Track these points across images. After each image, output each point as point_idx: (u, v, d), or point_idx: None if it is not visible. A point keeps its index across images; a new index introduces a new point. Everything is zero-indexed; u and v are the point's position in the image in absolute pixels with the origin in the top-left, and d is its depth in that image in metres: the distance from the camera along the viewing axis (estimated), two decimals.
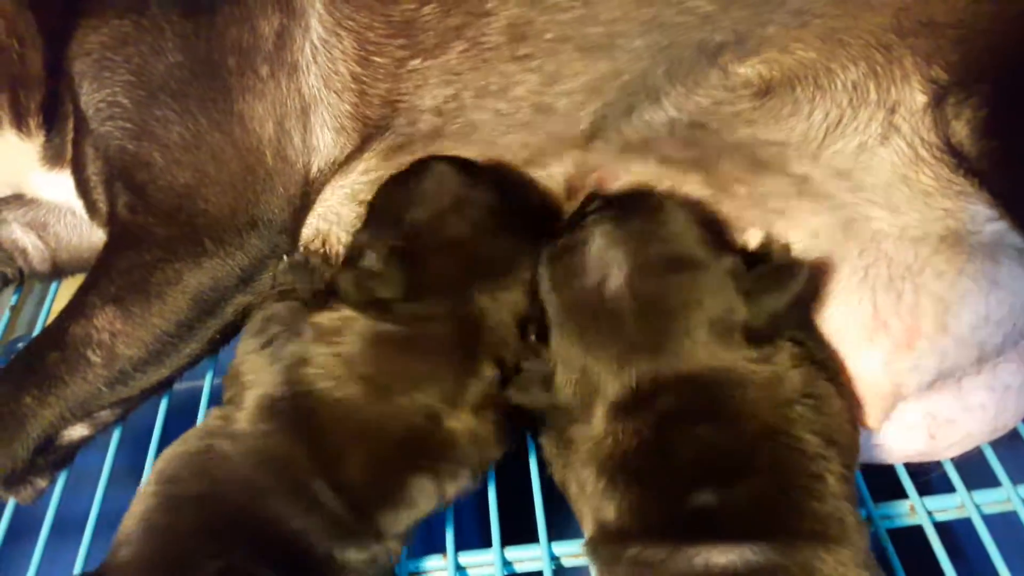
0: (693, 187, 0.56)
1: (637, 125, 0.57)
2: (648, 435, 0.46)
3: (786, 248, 0.54)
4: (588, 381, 0.49)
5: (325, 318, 0.52)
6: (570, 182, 0.60)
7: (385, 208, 0.58)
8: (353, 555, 0.47)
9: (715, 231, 0.54)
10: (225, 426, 0.50)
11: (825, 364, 0.49)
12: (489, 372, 0.50)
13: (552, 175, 0.60)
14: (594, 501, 0.47)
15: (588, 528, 0.48)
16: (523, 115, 0.59)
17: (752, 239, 0.55)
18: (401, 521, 0.48)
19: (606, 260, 0.49)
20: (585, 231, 0.51)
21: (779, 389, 0.45)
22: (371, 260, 0.52)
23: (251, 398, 0.50)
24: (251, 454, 0.48)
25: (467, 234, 0.53)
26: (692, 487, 0.44)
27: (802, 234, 0.54)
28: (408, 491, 0.48)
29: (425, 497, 0.49)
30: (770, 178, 0.55)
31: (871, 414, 0.53)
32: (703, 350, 0.46)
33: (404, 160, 0.61)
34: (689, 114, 0.56)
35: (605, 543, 0.45)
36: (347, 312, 0.51)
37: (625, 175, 0.58)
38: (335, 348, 0.50)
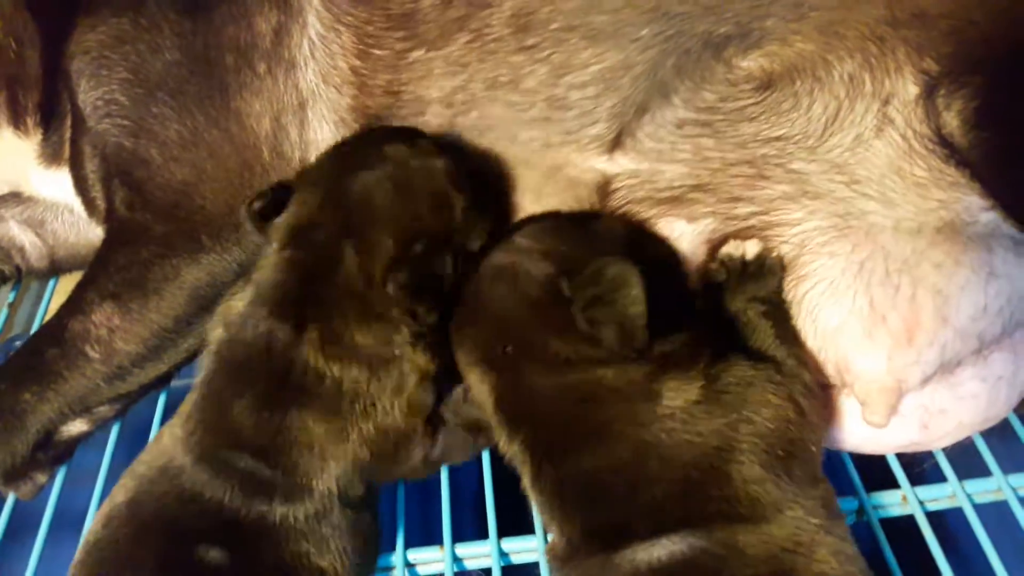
0: (704, 222, 0.57)
1: (650, 128, 0.57)
2: (530, 466, 0.47)
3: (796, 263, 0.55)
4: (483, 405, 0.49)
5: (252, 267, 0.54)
6: (597, 196, 0.59)
7: None
8: (285, 510, 0.47)
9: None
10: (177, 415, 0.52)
11: (766, 346, 0.50)
12: (347, 311, 0.49)
13: (579, 189, 0.59)
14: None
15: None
16: (538, 110, 0.58)
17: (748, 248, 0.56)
18: (308, 464, 0.48)
19: (479, 284, 0.51)
20: (505, 240, 0.52)
21: (649, 397, 0.45)
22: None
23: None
24: (176, 438, 0.49)
25: (342, 176, 0.53)
26: (591, 507, 0.45)
27: (799, 231, 0.55)
28: (291, 428, 0.48)
29: (312, 435, 0.48)
30: (768, 188, 0.56)
31: (876, 410, 0.53)
32: (561, 369, 0.46)
33: None
34: (697, 112, 0.57)
35: (555, 560, 0.46)
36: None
37: (643, 204, 0.59)
38: (238, 292, 0.52)
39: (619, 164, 0.58)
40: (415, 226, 0.51)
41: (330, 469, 0.48)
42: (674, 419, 0.45)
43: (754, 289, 0.53)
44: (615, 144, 0.58)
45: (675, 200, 0.58)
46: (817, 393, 0.50)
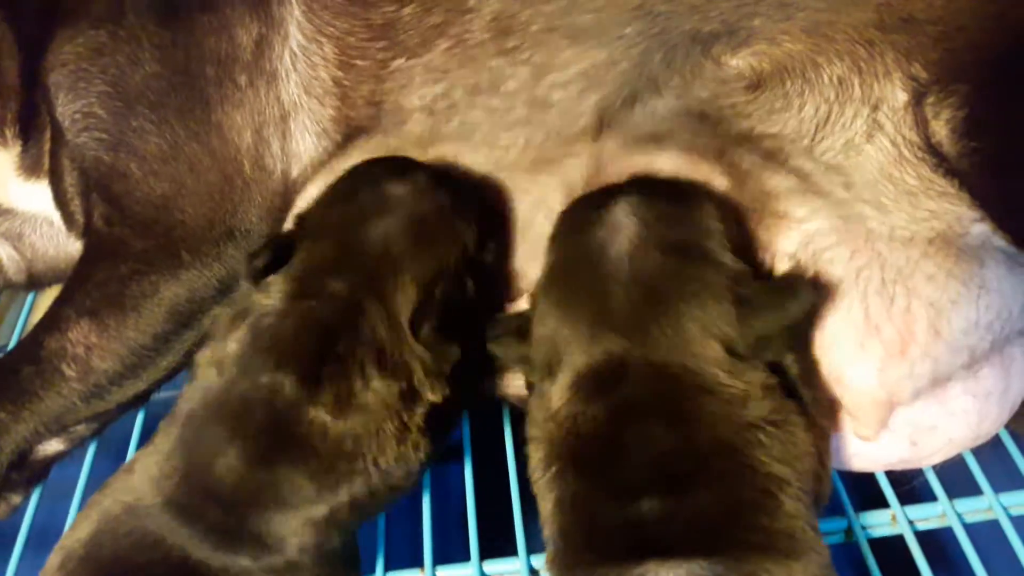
0: (715, 180, 0.56)
1: (643, 116, 0.57)
2: (603, 425, 0.44)
3: (797, 266, 0.53)
4: (556, 347, 0.47)
5: (242, 300, 0.51)
6: (588, 181, 0.58)
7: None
8: (247, 564, 0.46)
9: (735, 232, 0.53)
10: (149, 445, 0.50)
11: (799, 394, 0.48)
12: (366, 366, 0.48)
13: (568, 175, 0.58)
14: (540, 491, 0.46)
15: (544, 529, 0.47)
16: (519, 112, 0.58)
17: (768, 246, 0.54)
18: (286, 524, 0.46)
19: (618, 226, 0.48)
20: (610, 198, 0.49)
21: (743, 409, 0.44)
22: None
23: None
24: (149, 477, 0.47)
25: (352, 222, 0.51)
26: (640, 492, 0.42)
27: (799, 238, 0.54)
28: (279, 487, 0.46)
29: (300, 495, 0.46)
30: (775, 174, 0.55)
31: (867, 424, 0.53)
32: (682, 345, 0.45)
33: None
34: (690, 105, 0.56)
35: (558, 565, 0.44)
36: (258, 294, 0.50)
37: (647, 168, 0.57)
38: (227, 331, 0.50)
39: (608, 146, 0.57)
40: (434, 267, 0.51)
41: (308, 528, 0.47)
42: (756, 433, 0.43)
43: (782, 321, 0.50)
44: (601, 129, 0.57)
45: (683, 168, 0.56)
46: (829, 445, 0.50)
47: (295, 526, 0.46)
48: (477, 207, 0.55)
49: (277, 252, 0.51)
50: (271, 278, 0.50)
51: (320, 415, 0.46)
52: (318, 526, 0.47)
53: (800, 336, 0.51)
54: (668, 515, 0.41)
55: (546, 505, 0.45)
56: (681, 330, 0.45)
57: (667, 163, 0.56)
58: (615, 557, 0.41)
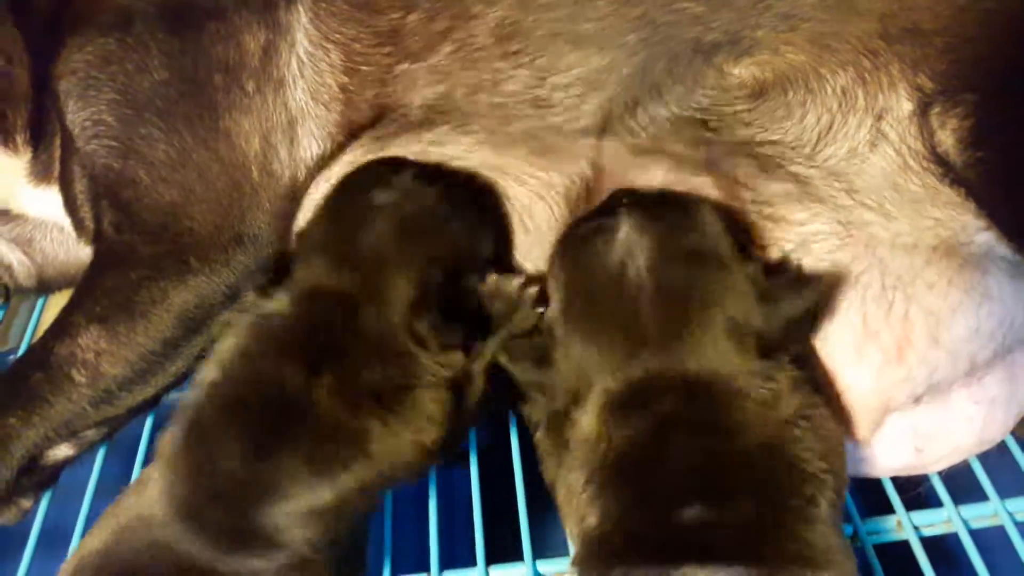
0: (706, 192, 0.56)
1: (643, 121, 0.57)
2: (644, 439, 0.44)
3: (799, 265, 0.53)
4: (585, 373, 0.47)
5: (243, 306, 0.52)
6: (588, 184, 0.59)
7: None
8: (257, 565, 0.46)
9: (739, 236, 0.53)
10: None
11: (819, 387, 0.48)
12: (366, 358, 0.48)
13: (569, 174, 0.58)
14: (580, 508, 0.46)
15: (572, 535, 0.47)
16: (521, 108, 0.58)
17: (765, 249, 0.55)
18: (289, 515, 0.46)
19: (631, 246, 0.48)
20: (614, 217, 0.50)
21: (778, 407, 0.44)
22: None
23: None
24: (159, 487, 0.48)
25: (346, 225, 0.53)
26: (682, 500, 0.42)
27: (802, 236, 0.54)
28: (280, 476, 0.46)
29: (302, 483, 0.46)
30: (772, 182, 0.55)
31: (861, 426, 0.53)
32: (715, 351, 0.45)
33: (392, 150, 0.60)
34: (692, 112, 0.56)
35: (589, 562, 0.44)
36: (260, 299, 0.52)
37: (642, 179, 0.57)
38: (231, 336, 0.50)
39: (609, 147, 0.58)
40: (424, 263, 0.51)
41: (314, 519, 0.46)
42: (791, 430, 0.44)
43: (803, 304, 0.50)
44: (603, 131, 0.58)
45: (675, 180, 0.57)
46: (844, 445, 0.50)
47: (299, 517, 0.46)
48: (470, 200, 0.56)
49: (279, 268, 0.52)
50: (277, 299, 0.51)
51: (323, 401, 0.47)
52: (324, 516, 0.47)
53: (813, 328, 0.52)
54: (709, 522, 0.42)
55: (588, 520, 0.45)
56: (714, 335, 0.45)
57: (663, 168, 0.57)
58: (653, 560, 0.41)
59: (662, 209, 0.51)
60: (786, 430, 0.44)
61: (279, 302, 0.51)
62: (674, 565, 0.41)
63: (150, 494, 0.48)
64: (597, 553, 0.44)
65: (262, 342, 0.49)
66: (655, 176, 0.57)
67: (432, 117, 0.60)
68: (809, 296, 0.46)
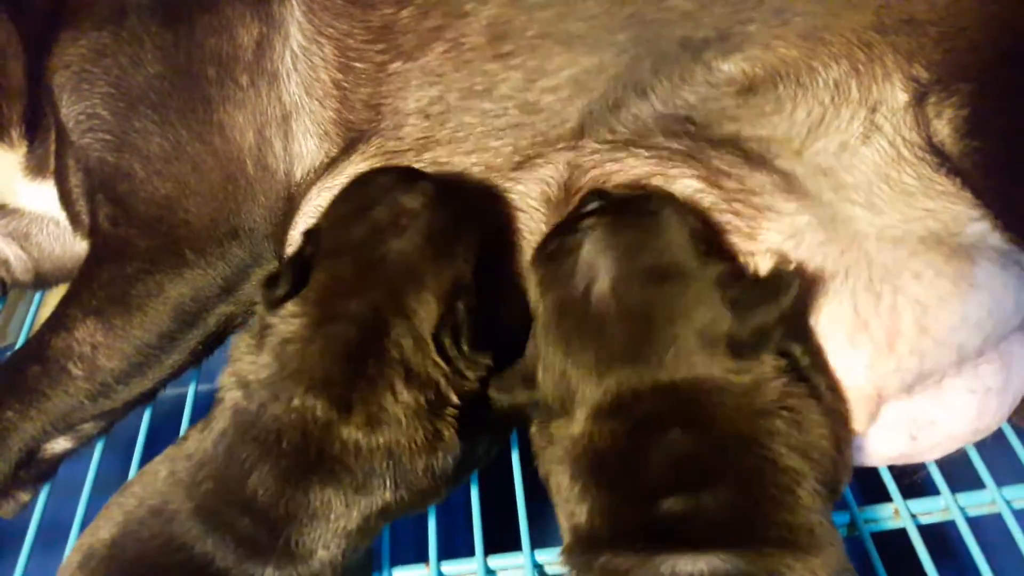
0: (685, 181, 0.56)
1: (626, 120, 0.57)
2: (622, 438, 0.45)
3: (782, 259, 0.53)
4: (568, 386, 0.48)
5: (259, 323, 0.51)
6: (566, 185, 0.59)
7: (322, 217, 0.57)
8: (271, 574, 0.46)
9: (710, 232, 0.54)
10: (176, 449, 0.50)
11: (810, 379, 0.49)
12: (394, 382, 0.48)
13: (545, 179, 0.59)
14: (569, 504, 0.47)
15: (564, 529, 0.48)
16: (510, 115, 0.58)
17: (752, 239, 0.55)
18: (319, 539, 0.47)
19: (594, 266, 0.49)
20: (577, 235, 0.51)
21: (756, 399, 0.45)
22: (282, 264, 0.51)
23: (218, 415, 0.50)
24: (178, 481, 0.48)
25: (369, 239, 0.51)
26: (662, 492, 0.43)
27: (786, 232, 0.54)
28: (312, 503, 0.46)
29: (333, 510, 0.47)
30: (757, 173, 0.55)
31: (856, 417, 0.53)
32: (685, 361, 0.46)
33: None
34: (676, 108, 0.56)
35: (577, 551, 0.45)
36: (277, 315, 0.50)
37: (619, 172, 0.57)
38: (252, 355, 0.50)
39: (589, 147, 0.58)
40: (452, 279, 0.51)
41: (338, 541, 0.47)
42: (768, 424, 0.45)
43: (776, 310, 0.51)
44: (582, 132, 0.58)
45: (654, 172, 0.57)
46: (849, 432, 0.50)
47: (327, 539, 0.47)
48: (481, 216, 0.55)
49: (295, 278, 0.51)
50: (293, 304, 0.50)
51: (352, 434, 0.47)
52: (349, 537, 0.48)
53: (801, 327, 0.52)
54: (688, 512, 0.43)
55: (577, 516, 0.46)
56: (681, 348, 0.46)
57: (640, 161, 0.57)
58: (637, 548, 0.42)
59: (627, 221, 0.51)
60: (763, 421, 0.45)
61: (297, 322, 0.49)
62: (657, 552, 0.42)
63: (165, 488, 0.48)
64: (584, 544, 0.45)
65: (289, 374, 0.48)
66: (633, 170, 0.57)
67: (427, 131, 0.59)
68: (782, 301, 0.46)
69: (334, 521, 0.47)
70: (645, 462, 0.44)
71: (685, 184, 0.56)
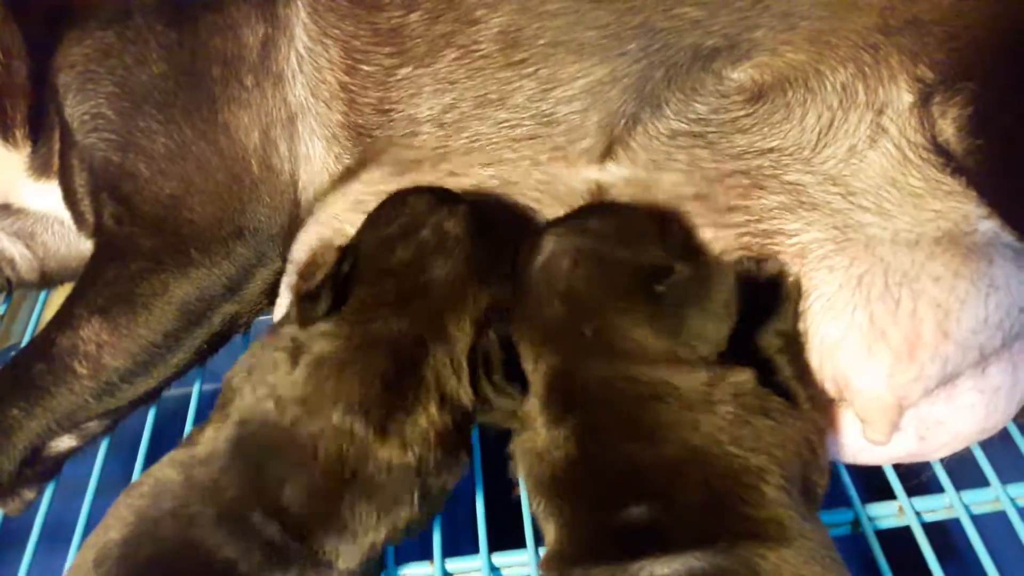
0: (693, 207, 0.57)
1: (643, 141, 0.57)
2: (572, 450, 0.46)
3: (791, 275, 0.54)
4: (533, 388, 0.49)
5: (290, 338, 0.51)
6: (595, 196, 0.59)
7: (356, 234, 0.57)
8: None
9: (678, 242, 0.55)
10: (187, 452, 0.50)
11: (789, 388, 0.49)
12: (430, 406, 0.49)
13: (570, 200, 0.59)
14: (539, 520, 0.47)
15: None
16: (526, 126, 0.58)
17: (759, 265, 0.55)
18: (347, 550, 0.47)
19: (551, 265, 0.50)
20: (542, 237, 0.52)
21: (704, 411, 0.45)
22: (315, 280, 0.51)
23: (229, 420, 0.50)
24: (196, 484, 0.48)
25: (412, 263, 0.52)
26: (624, 503, 0.44)
27: (796, 242, 0.54)
28: (343, 517, 0.47)
29: (363, 525, 0.47)
30: (766, 192, 0.55)
31: (878, 428, 0.52)
32: (619, 355, 0.47)
33: (413, 179, 0.60)
34: (689, 122, 0.56)
35: (552, 567, 0.45)
36: (309, 332, 0.50)
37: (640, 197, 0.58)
38: (284, 370, 0.50)
39: (612, 173, 0.58)
40: (488, 305, 0.52)
41: (362, 550, 0.48)
42: (724, 431, 0.45)
43: (774, 322, 0.52)
44: (607, 154, 0.58)
45: (670, 209, 0.57)
46: (825, 438, 0.50)
47: (355, 551, 0.48)
48: (514, 241, 0.55)
49: (336, 295, 0.51)
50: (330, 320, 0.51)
51: (386, 455, 0.48)
52: (375, 547, 0.48)
53: (791, 335, 0.52)
54: (656, 518, 0.43)
55: (547, 533, 0.47)
56: (612, 340, 0.47)
57: (663, 193, 0.57)
58: (611, 558, 0.43)
59: (585, 224, 0.52)
60: (717, 431, 0.45)
61: (335, 342, 0.50)
62: (632, 560, 0.42)
63: (179, 489, 0.48)
64: (558, 559, 0.45)
65: (327, 394, 0.48)
66: (656, 196, 0.57)
67: (442, 141, 0.59)
68: (716, 299, 0.46)
69: (363, 536, 0.47)
70: (600, 474, 0.45)
71: (693, 208, 0.56)
